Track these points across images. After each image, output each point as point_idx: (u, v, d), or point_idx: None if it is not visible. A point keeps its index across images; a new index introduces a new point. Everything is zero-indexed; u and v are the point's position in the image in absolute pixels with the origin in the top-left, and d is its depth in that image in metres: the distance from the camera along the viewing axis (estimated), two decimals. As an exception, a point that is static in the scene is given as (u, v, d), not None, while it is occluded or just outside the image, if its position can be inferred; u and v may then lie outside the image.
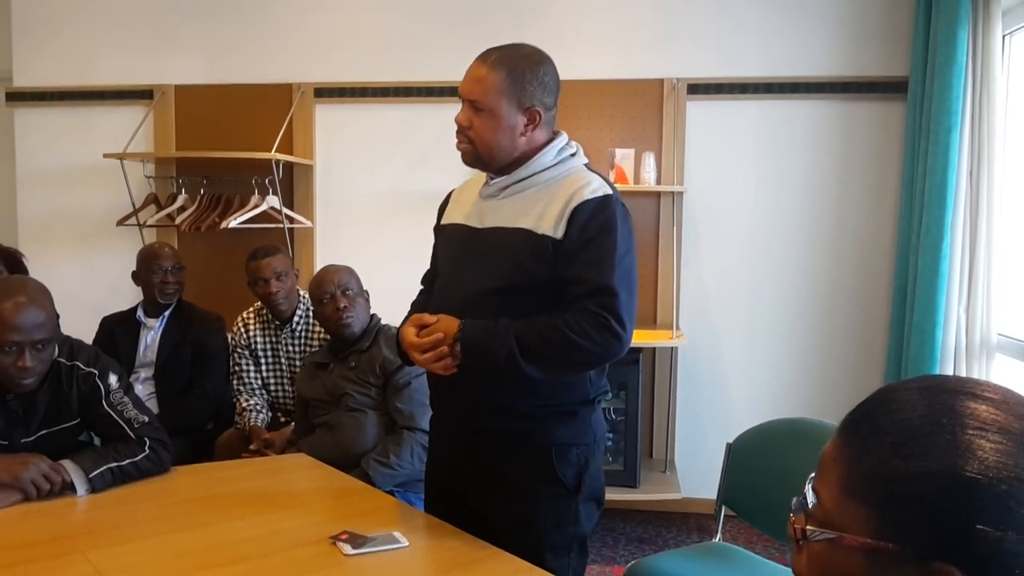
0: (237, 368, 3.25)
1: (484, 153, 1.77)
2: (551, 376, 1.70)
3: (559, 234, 1.69)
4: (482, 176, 1.87)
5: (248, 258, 3.19)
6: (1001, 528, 0.65)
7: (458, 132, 1.79)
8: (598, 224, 1.68)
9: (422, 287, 2.04)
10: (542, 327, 1.65)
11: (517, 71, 1.73)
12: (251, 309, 3.32)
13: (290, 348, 3.23)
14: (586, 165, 1.84)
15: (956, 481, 0.66)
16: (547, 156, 1.79)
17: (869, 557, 0.70)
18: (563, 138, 1.83)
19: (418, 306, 1.95)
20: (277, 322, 3.24)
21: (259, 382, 3.27)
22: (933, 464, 0.67)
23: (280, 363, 3.25)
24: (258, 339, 3.25)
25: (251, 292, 3.20)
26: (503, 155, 1.77)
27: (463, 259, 1.81)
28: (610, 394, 1.90)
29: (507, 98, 1.72)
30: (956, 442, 0.68)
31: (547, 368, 1.67)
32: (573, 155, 1.82)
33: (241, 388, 3.23)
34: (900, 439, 0.70)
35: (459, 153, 1.82)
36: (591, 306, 1.65)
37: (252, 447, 2.98)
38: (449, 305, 1.78)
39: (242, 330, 3.27)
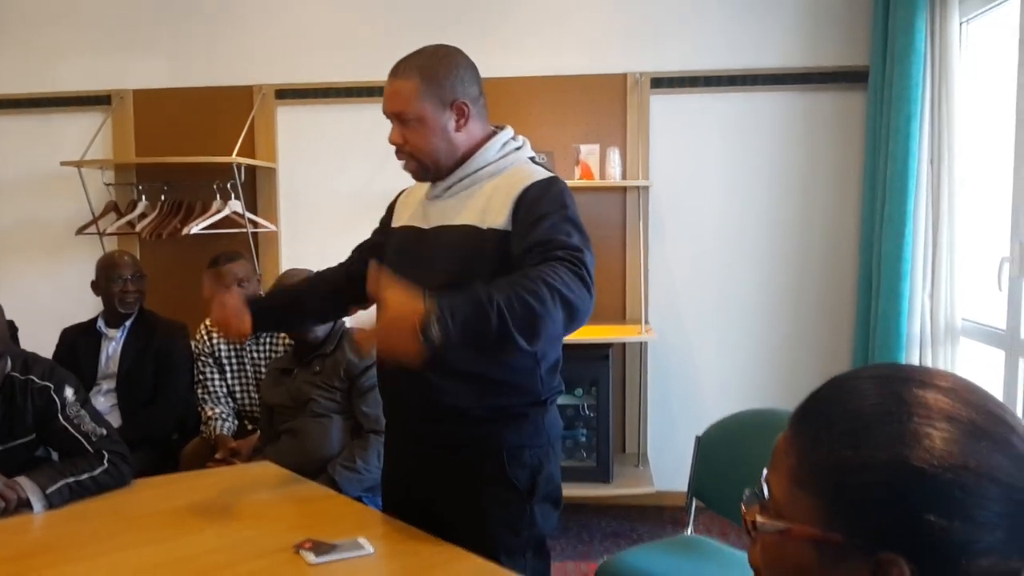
0: (201, 376, 3.20)
1: (429, 162, 1.74)
2: (536, 340, 1.47)
3: (505, 224, 1.65)
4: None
5: (209, 264, 3.14)
6: (948, 517, 0.64)
7: (397, 153, 1.76)
8: (549, 200, 1.63)
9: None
10: (518, 283, 1.44)
11: (428, 71, 1.70)
12: (214, 316, 3.27)
13: (255, 355, 3.18)
14: (531, 158, 1.81)
15: (902, 470, 0.65)
16: (491, 151, 1.76)
17: (818, 548, 0.70)
18: (508, 132, 1.81)
19: (321, 274, 2.06)
20: (241, 328, 3.19)
21: (224, 390, 3.22)
22: (880, 453, 0.67)
23: (245, 370, 3.21)
24: (222, 347, 3.21)
25: (214, 299, 3.15)
26: (446, 158, 1.74)
27: (410, 260, 1.78)
28: (562, 392, 1.85)
29: (428, 100, 1.69)
30: (903, 431, 0.67)
31: (537, 328, 1.44)
32: (518, 149, 1.80)
33: (206, 397, 3.18)
34: (848, 428, 0.69)
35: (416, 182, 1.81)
36: (562, 254, 1.52)
37: (218, 456, 2.93)
38: None
39: (205, 338, 3.23)
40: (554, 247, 1.54)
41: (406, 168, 1.78)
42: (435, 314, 1.37)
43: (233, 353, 3.21)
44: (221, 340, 3.21)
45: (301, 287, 2.12)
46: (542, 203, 1.63)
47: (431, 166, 1.75)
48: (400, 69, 1.72)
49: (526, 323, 1.42)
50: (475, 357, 1.66)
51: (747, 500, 0.78)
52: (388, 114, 1.74)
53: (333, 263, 2.08)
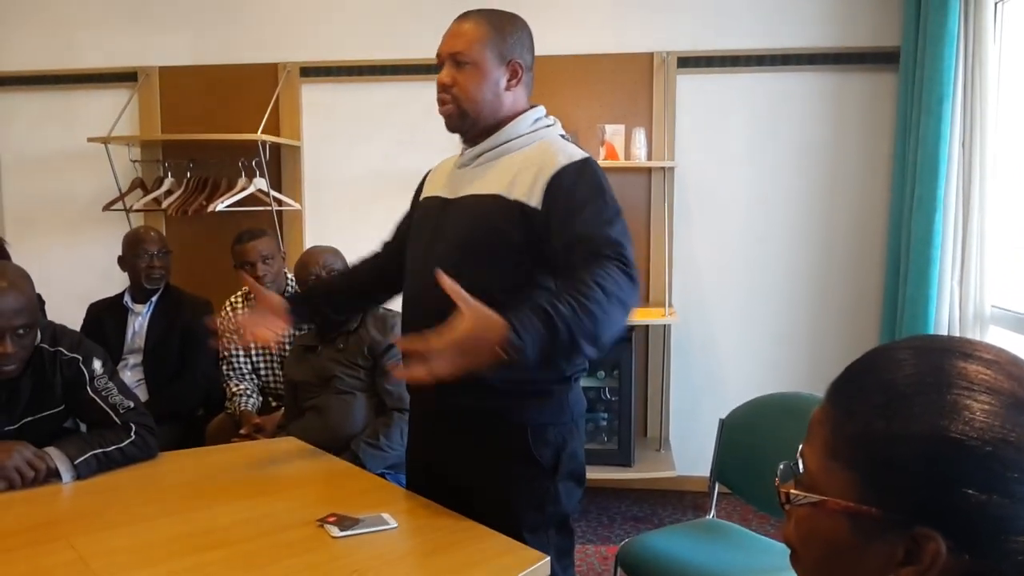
0: (226, 353, 3.23)
1: (470, 108, 1.73)
2: (603, 345, 1.49)
3: (534, 202, 1.64)
4: (456, 153, 1.84)
5: (234, 241, 3.16)
6: (986, 492, 0.62)
7: (440, 93, 1.75)
8: (586, 187, 1.63)
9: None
10: (577, 294, 1.45)
11: (498, 24, 1.74)
12: (239, 293, 3.29)
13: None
14: (562, 135, 1.80)
15: (940, 442, 0.64)
16: (523, 124, 1.76)
17: (852, 521, 0.68)
18: (541, 109, 1.81)
19: (359, 263, 2.07)
20: (265, 305, 3.20)
21: (249, 367, 3.24)
22: (917, 425, 0.65)
23: (269, 347, 3.22)
24: (247, 323, 3.22)
25: (238, 275, 3.17)
26: (488, 111, 1.74)
27: (436, 228, 1.78)
28: (586, 371, 1.85)
29: (490, 49, 1.71)
30: (942, 402, 0.65)
31: (600, 334, 1.46)
32: (550, 126, 1.80)
33: (231, 373, 3.21)
34: (885, 400, 0.68)
35: (447, 131, 1.79)
36: (608, 252, 1.52)
37: (243, 431, 2.96)
38: (421, 271, 1.74)
39: (230, 314, 3.24)
40: (599, 244, 1.54)
41: (443, 112, 1.77)
42: (512, 330, 1.37)
43: (257, 330, 3.22)
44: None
45: (336, 280, 2.14)
46: (579, 190, 1.62)
47: (471, 113, 1.74)
48: (470, 15, 1.76)
49: (591, 331, 1.44)
50: (544, 370, 1.65)
51: (782, 473, 0.77)
52: (444, 54, 1.74)
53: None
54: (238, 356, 3.22)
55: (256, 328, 1.97)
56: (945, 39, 3.09)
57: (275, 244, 3.22)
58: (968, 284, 3.11)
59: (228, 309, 3.27)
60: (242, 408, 3.10)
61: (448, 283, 1.41)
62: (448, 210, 1.76)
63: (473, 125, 1.75)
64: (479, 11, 1.76)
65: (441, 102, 1.75)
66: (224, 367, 3.23)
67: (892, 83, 3.65)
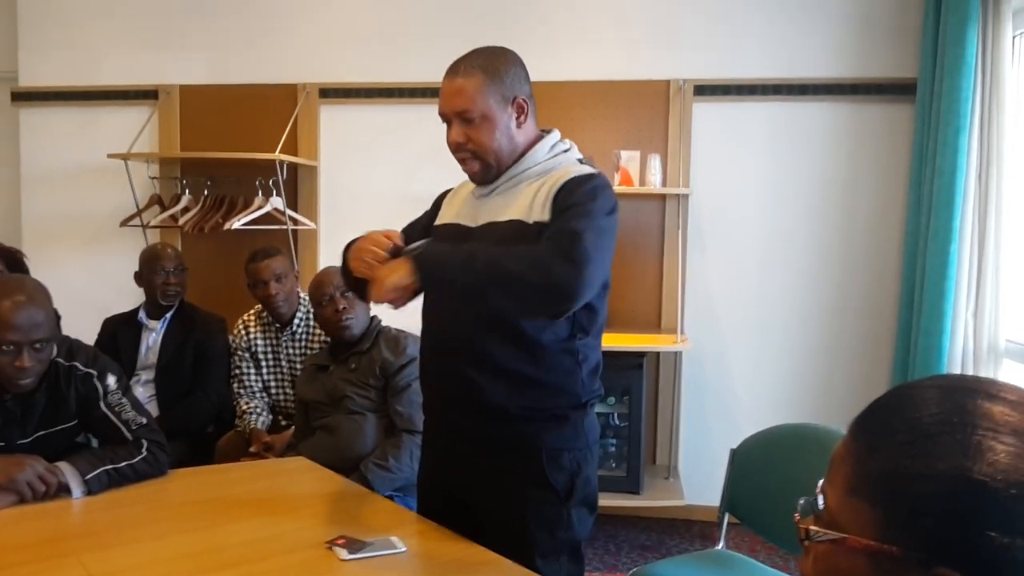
0: (237, 371, 3.24)
1: (491, 159, 1.73)
2: (509, 299, 1.58)
3: (546, 216, 1.66)
4: None
5: (248, 260, 3.17)
6: (1009, 535, 0.62)
7: (457, 153, 1.75)
8: (583, 193, 1.65)
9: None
10: (500, 251, 1.62)
11: (490, 68, 1.71)
12: (252, 312, 3.31)
13: (291, 351, 3.21)
14: (580, 160, 1.81)
15: (964, 483, 0.63)
16: (540, 152, 1.77)
17: (872, 560, 0.68)
18: (556, 134, 1.82)
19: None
20: (278, 324, 3.22)
21: (260, 385, 3.25)
22: (941, 465, 0.65)
23: (281, 366, 3.23)
24: (259, 342, 3.24)
25: (251, 294, 3.19)
26: (507, 154, 1.74)
27: None
28: (601, 397, 1.86)
29: (492, 97, 1.70)
30: (966, 443, 0.65)
31: (502, 284, 1.55)
32: (566, 151, 1.81)
33: (241, 391, 3.22)
34: (909, 438, 0.68)
35: (476, 184, 1.81)
36: (563, 240, 1.57)
37: (252, 449, 2.96)
38: (444, 301, 1.76)
39: (243, 332, 3.26)
40: (562, 234, 1.58)
41: (467, 169, 1.77)
42: (420, 247, 1.60)
43: (269, 348, 3.24)
44: (258, 335, 3.24)
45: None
46: (574, 195, 1.65)
47: (494, 164, 1.75)
48: (461, 68, 1.72)
49: (495, 278, 1.55)
50: (506, 351, 1.70)
51: (802, 509, 0.76)
52: (449, 113, 1.73)
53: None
54: (249, 374, 3.23)
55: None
56: (962, 71, 3.09)
57: (289, 263, 3.24)
58: (983, 317, 3.10)
59: (241, 328, 3.28)
60: (252, 426, 3.10)
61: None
62: (470, 238, 1.77)
63: (499, 171, 1.76)
64: (468, 59, 1.73)
65: (462, 161, 1.76)
66: (235, 385, 3.24)
67: (909, 114, 3.65)
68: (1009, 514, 0.62)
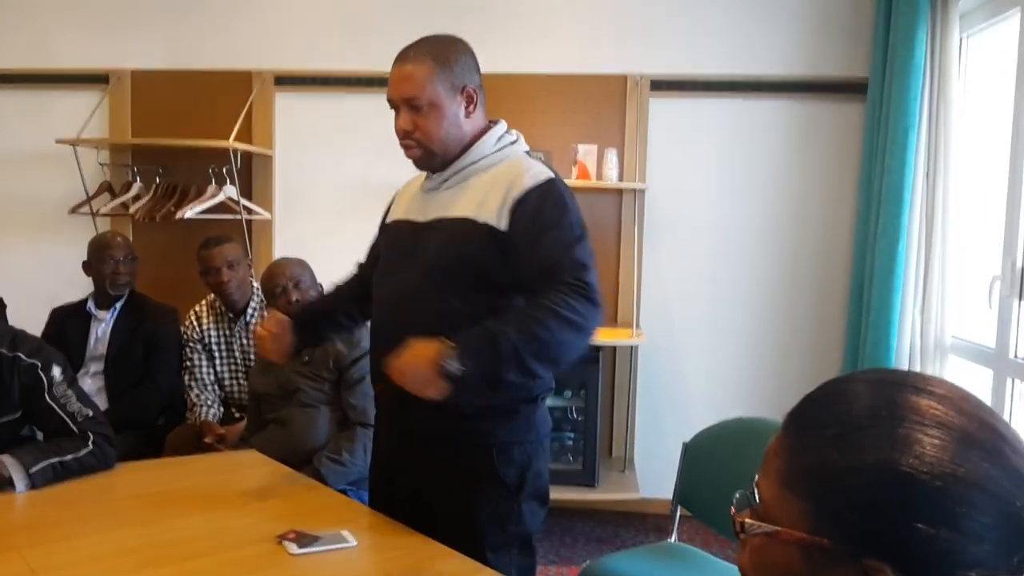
0: (189, 363, 3.19)
1: (437, 148, 1.72)
2: (554, 366, 1.61)
3: (503, 225, 1.65)
4: (423, 173, 1.84)
5: (200, 247, 3.13)
6: (935, 526, 0.63)
7: (404, 140, 1.73)
8: (550, 209, 1.64)
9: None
10: (530, 314, 1.54)
11: (440, 56, 1.70)
12: (204, 302, 3.26)
13: (244, 342, 3.17)
14: (527, 152, 1.81)
15: (891, 475, 0.65)
16: (487, 144, 1.76)
17: (804, 552, 0.69)
18: (502, 125, 1.81)
19: (342, 284, 2.05)
20: (231, 315, 3.18)
21: (211, 377, 3.20)
22: (869, 457, 0.66)
23: (234, 357, 3.19)
24: (211, 333, 3.19)
25: (203, 282, 3.14)
26: (454, 144, 1.73)
27: (406, 253, 1.78)
28: (552, 390, 1.86)
29: (441, 85, 1.69)
30: (893, 435, 0.66)
31: (551, 357, 1.56)
32: (513, 143, 1.80)
33: (192, 383, 3.17)
34: (839, 431, 0.69)
35: (417, 170, 1.80)
36: (568, 279, 1.57)
37: (207, 440, 2.92)
38: (393, 297, 1.76)
39: (195, 323, 3.21)
40: (561, 269, 1.59)
41: (410, 156, 1.76)
42: (454, 348, 1.48)
43: (223, 340, 3.20)
44: (211, 326, 3.20)
45: (328, 300, 2.11)
46: (544, 213, 1.64)
47: (439, 153, 1.73)
48: (410, 54, 1.70)
49: (540, 354, 1.53)
50: (496, 394, 1.68)
51: (737, 502, 0.78)
52: (397, 100, 1.71)
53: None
54: (200, 366, 3.19)
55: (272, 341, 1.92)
56: (912, 72, 3.15)
57: (242, 250, 3.20)
58: (930, 313, 3.16)
59: (192, 318, 3.23)
60: (203, 418, 3.06)
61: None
62: (419, 234, 1.76)
63: (443, 161, 1.75)
64: (417, 46, 1.72)
65: (406, 147, 1.75)
66: (186, 377, 3.19)
67: (860, 113, 3.72)
68: (935, 506, 0.64)
